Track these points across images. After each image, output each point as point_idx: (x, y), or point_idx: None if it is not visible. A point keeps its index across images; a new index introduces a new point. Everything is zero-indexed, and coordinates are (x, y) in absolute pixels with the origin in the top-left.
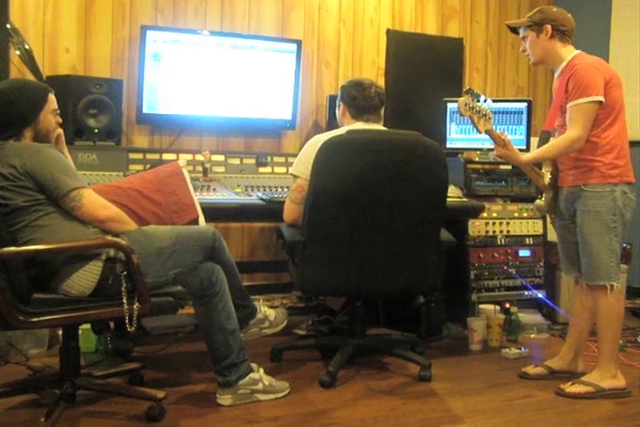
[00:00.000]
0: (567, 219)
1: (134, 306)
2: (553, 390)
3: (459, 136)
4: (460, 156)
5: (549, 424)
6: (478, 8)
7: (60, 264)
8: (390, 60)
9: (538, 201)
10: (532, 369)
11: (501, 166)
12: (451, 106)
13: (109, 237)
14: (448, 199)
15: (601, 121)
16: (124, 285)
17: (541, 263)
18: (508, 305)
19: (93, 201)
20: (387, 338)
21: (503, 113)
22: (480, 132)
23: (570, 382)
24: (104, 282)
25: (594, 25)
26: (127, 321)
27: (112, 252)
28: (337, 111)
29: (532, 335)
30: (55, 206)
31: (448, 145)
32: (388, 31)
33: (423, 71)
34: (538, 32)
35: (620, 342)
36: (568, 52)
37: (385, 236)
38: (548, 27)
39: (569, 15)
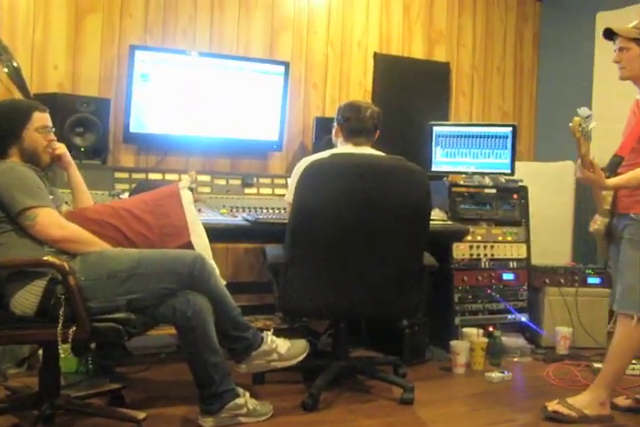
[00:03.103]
0: (619, 246)
1: (70, 330)
2: (536, 414)
3: (444, 159)
4: (445, 179)
5: None
6: (465, 32)
7: (4, 282)
8: (377, 83)
9: (593, 225)
10: (622, 401)
11: (486, 190)
12: (436, 129)
13: (46, 258)
14: (432, 222)
15: None
16: (63, 307)
17: (525, 287)
18: (491, 328)
19: (49, 221)
20: (370, 360)
21: (488, 137)
22: (579, 154)
23: (556, 401)
24: (46, 303)
25: (578, 49)
26: (60, 345)
27: (57, 273)
28: (333, 131)
29: (515, 359)
30: (15, 224)
31: (433, 168)
32: (376, 54)
33: (410, 94)
34: None
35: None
36: None
37: (368, 259)
38: None
39: None
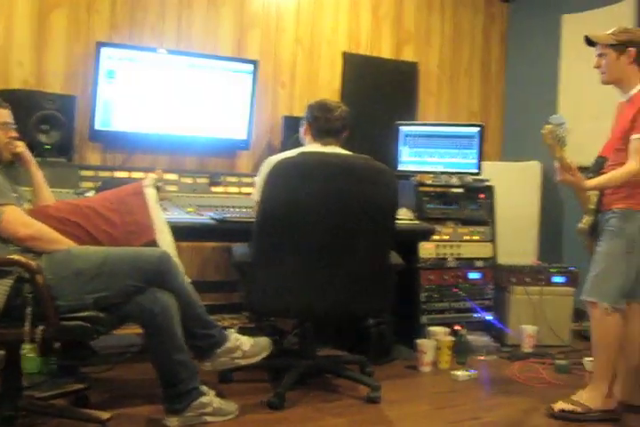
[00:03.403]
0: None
1: (38, 329)
2: (500, 413)
3: (411, 159)
4: (412, 178)
5: None
6: (433, 33)
7: None
8: (346, 82)
9: (580, 225)
10: None
11: (453, 189)
12: (403, 129)
13: (13, 256)
14: (399, 222)
15: None
16: (30, 306)
17: (491, 286)
18: (457, 327)
19: (13, 219)
20: (336, 359)
21: (455, 137)
22: (554, 159)
23: (559, 401)
24: (13, 302)
25: (545, 51)
26: (27, 344)
27: (24, 271)
28: (300, 129)
29: (481, 357)
30: None
31: (400, 168)
32: (344, 54)
33: (378, 94)
34: (619, 53)
35: (566, 363)
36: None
37: (334, 258)
38: (633, 51)
39: None
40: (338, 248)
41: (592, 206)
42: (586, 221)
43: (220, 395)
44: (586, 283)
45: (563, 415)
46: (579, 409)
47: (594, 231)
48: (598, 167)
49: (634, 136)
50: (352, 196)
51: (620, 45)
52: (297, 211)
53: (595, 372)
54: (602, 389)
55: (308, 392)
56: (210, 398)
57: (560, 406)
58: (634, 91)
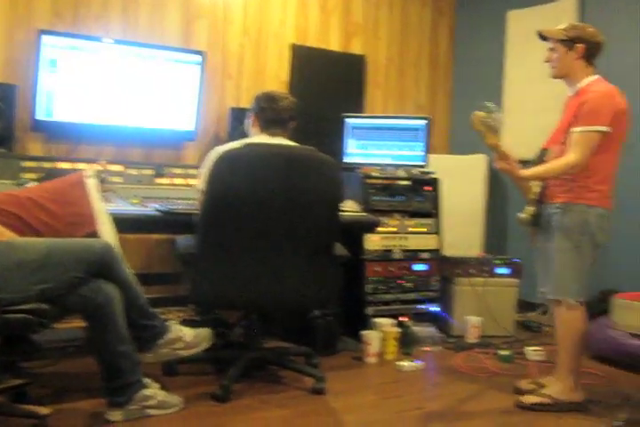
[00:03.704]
0: (547, 234)
1: None
2: (444, 402)
3: (358, 151)
4: (358, 171)
5: None
6: (381, 26)
7: None
8: (293, 75)
9: (521, 214)
10: (525, 384)
11: (399, 182)
12: (350, 121)
13: None
14: (344, 214)
15: (596, 147)
16: None
17: (436, 277)
18: (403, 318)
19: None
20: (282, 351)
21: (402, 130)
22: (487, 145)
23: (530, 394)
24: None
25: (491, 45)
26: None
27: None
28: (247, 121)
29: (427, 348)
30: None
31: (347, 160)
32: (292, 46)
33: (325, 86)
34: (569, 48)
35: (509, 353)
36: (588, 75)
37: (279, 249)
38: (581, 47)
39: (602, 37)
40: (282, 240)
41: (533, 197)
42: (527, 211)
43: (164, 388)
44: (549, 282)
45: (533, 408)
46: (548, 401)
47: (536, 222)
48: (540, 159)
49: (575, 129)
50: (297, 187)
51: (570, 41)
52: (242, 202)
53: (561, 366)
54: (569, 382)
55: (254, 384)
56: (153, 391)
57: (530, 400)
58: (580, 85)
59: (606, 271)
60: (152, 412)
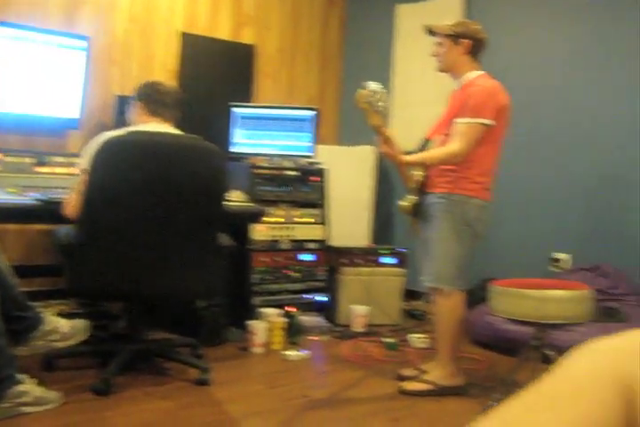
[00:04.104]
0: (427, 223)
1: None
2: (330, 390)
3: (245, 141)
4: (245, 161)
5: (324, 421)
6: (272, 15)
7: None
8: (182, 63)
9: (402, 202)
10: (407, 371)
11: (287, 172)
12: (237, 111)
13: None
14: (229, 203)
15: (479, 139)
16: None
17: (323, 267)
18: (290, 308)
19: None
20: (166, 342)
21: (290, 120)
22: (370, 126)
23: (412, 380)
24: None
25: (380, 38)
26: None
27: None
28: (130, 109)
29: (314, 337)
30: None
31: (233, 149)
32: (181, 34)
33: (215, 75)
34: (455, 44)
35: (394, 341)
36: (473, 69)
37: (162, 239)
38: (467, 43)
39: (485, 34)
40: (166, 230)
41: (414, 185)
42: (408, 200)
43: (42, 384)
44: (426, 270)
45: (415, 393)
46: (431, 387)
47: (416, 211)
48: (423, 149)
49: (460, 120)
50: (180, 176)
51: (456, 37)
52: (124, 191)
53: (441, 352)
54: (449, 367)
55: (138, 377)
56: (29, 386)
57: (413, 386)
58: (465, 79)
59: (488, 260)
60: (27, 409)
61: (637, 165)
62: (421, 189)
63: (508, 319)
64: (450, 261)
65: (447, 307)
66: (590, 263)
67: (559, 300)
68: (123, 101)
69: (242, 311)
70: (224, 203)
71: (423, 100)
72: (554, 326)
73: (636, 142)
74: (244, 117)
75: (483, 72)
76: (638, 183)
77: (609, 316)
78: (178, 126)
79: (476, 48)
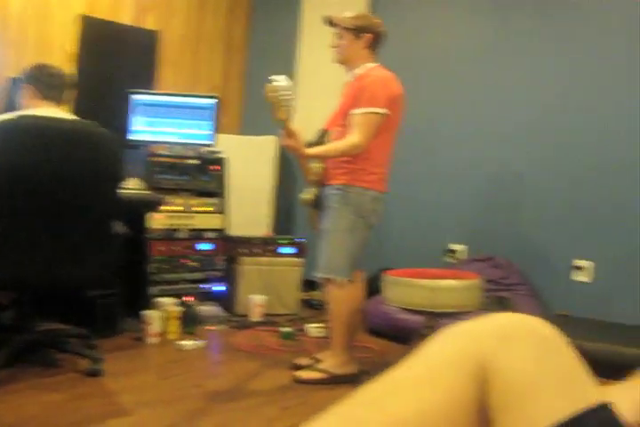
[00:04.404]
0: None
1: None
2: (224, 380)
3: (145, 128)
4: (144, 148)
5: (216, 411)
6: (177, 2)
7: None
8: (82, 47)
9: (303, 195)
10: (303, 360)
11: (186, 161)
12: (137, 97)
13: None
14: (125, 191)
15: (377, 129)
16: None
17: (222, 257)
18: (187, 298)
19: None
20: (57, 333)
21: (191, 108)
22: (275, 119)
23: (307, 369)
24: None
25: (286, 28)
26: None
27: None
28: (20, 94)
29: (211, 327)
30: None
31: (133, 137)
32: (81, 17)
33: (116, 61)
34: (356, 37)
35: (290, 330)
36: (369, 61)
37: (53, 226)
38: (369, 37)
39: (385, 28)
40: (57, 217)
41: (314, 178)
42: (309, 192)
43: None
44: (319, 260)
45: (309, 382)
46: (324, 376)
47: (318, 203)
48: (320, 140)
49: (355, 111)
50: (72, 162)
51: (357, 30)
52: (13, 176)
53: (335, 341)
54: (343, 356)
55: (27, 369)
56: None
57: (308, 374)
58: (359, 71)
59: (386, 251)
60: None
61: (529, 163)
62: (321, 182)
63: (401, 308)
64: (341, 252)
65: (340, 297)
66: (485, 255)
67: (449, 289)
68: (18, 84)
69: (138, 301)
70: (118, 190)
71: (328, 90)
72: (444, 315)
73: (532, 140)
74: (144, 105)
75: (377, 64)
76: (531, 180)
77: (499, 305)
78: (74, 111)
79: (376, 41)
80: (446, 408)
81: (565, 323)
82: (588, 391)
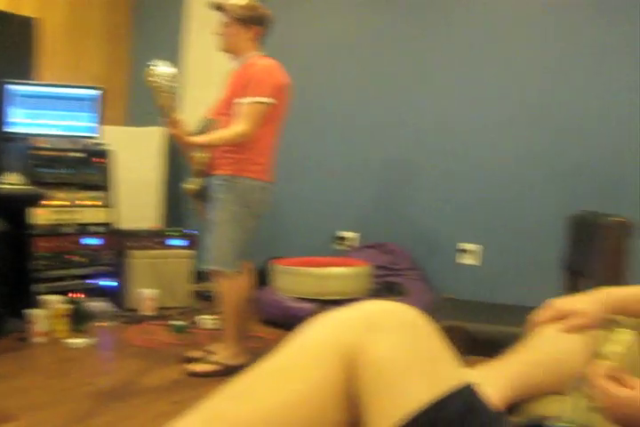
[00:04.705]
0: (212, 206)
1: None
2: (115, 377)
3: (23, 120)
4: (23, 141)
5: (106, 409)
6: None
7: None
8: None
9: (186, 185)
10: (195, 353)
11: (69, 154)
12: (14, 88)
13: None
14: (5, 186)
15: (263, 118)
16: None
17: (110, 251)
18: (76, 295)
19: None
20: None
21: (73, 99)
22: (157, 106)
23: (199, 362)
24: None
25: (172, 17)
26: None
27: None
28: None
29: (101, 324)
30: None
31: (10, 129)
32: None
33: None
34: (244, 28)
35: (182, 323)
36: (254, 50)
37: None
38: (257, 29)
39: (272, 18)
40: None
41: (199, 167)
42: (192, 182)
43: None
44: (206, 252)
45: (201, 374)
46: (217, 367)
47: (201, 193)
48: (205, 129)
49: (242, 100)
50: None
51: (247, 21)
52: None
53: (226, 333)
54: (234, 347)
55: None
56: None
57: (200, 367)
58: (245, 59)
59: (276, 240)
60: None
61: (416, 150)
62: (206, 172)
63: (292, 298)
64: (228, 243)
65: (227, 289)
66: (376, 242)
67: (338, 276)
68: None
69: (22, 300)
70: None
71: (215, 79)
72: (334, 302)
73: (416, 126)
74: (22, 95)
75: (263, 53)
76: (423, 167)
77: (390, 290)
78: None
79: (264, 32)
80: (314, 399)
81: (452, 306)
82: (455, 374)
